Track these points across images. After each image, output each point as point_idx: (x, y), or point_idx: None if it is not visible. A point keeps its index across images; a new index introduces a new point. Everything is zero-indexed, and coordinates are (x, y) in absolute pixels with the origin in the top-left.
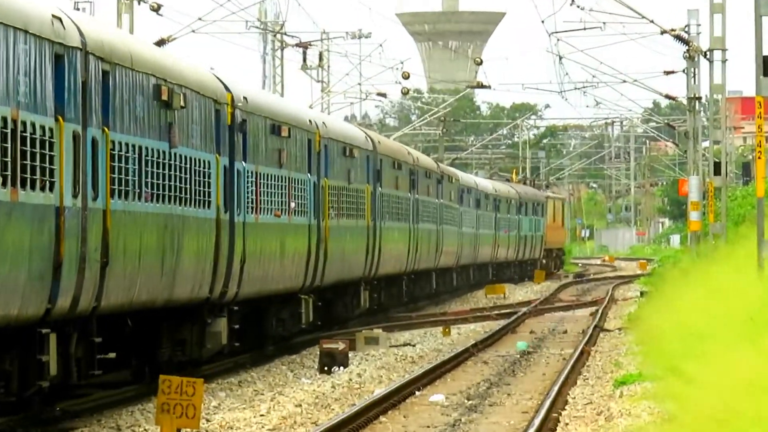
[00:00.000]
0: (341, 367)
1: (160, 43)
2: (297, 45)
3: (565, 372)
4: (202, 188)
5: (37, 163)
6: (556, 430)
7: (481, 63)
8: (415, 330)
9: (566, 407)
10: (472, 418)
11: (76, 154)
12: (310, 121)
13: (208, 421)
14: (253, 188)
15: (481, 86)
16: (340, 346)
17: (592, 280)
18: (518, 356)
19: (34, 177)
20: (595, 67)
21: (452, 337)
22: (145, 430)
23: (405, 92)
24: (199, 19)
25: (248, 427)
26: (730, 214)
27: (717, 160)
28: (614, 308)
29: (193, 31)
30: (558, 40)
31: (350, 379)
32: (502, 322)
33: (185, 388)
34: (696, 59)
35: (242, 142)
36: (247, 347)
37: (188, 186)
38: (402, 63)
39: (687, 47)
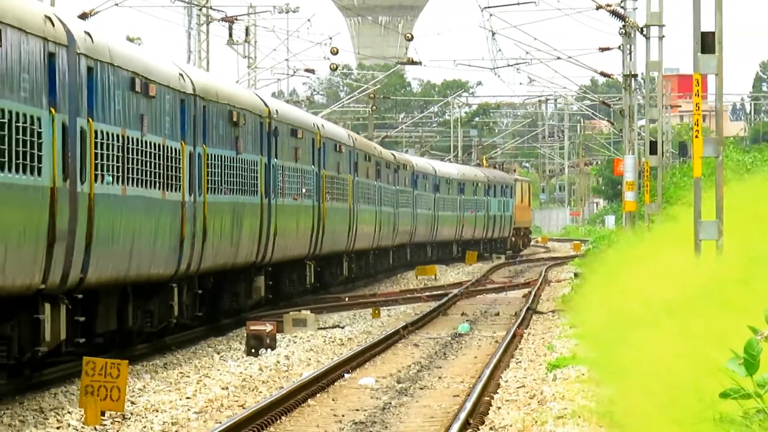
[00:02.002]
0: (269, 350)
1: (83, 16)
2: (223, 19)
3: (498, 355)
4: (254, 181)
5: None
6: (488, 413)
7: (411, 38)
8: (344, 312)
9: (498, 391)
10: (403, 401)
11: (191, 167)
12: (313, 124)
13: (132, 403)
14: (281, 178)
15: (412, 62)
16: (268, 328)
17: (525, 261)
18: (450, 339)
19: (171, 182)
20: (529, 44)
21: (382, 319)
22: (68, 412)
23: (334, 68)
24: None
25: (174, 410)
26: (666, 194)
27: (653, 139)
28: (547, 290)
29: (117, 4)
30: (491, 15)
31: (278, 362)
32: (433, 304)
33: (110, 369)
34: (632, 35)
35: (275, 144)
36: (278, 300)
37: (247, 181)
38: (331, 38)
39: (623, 23)
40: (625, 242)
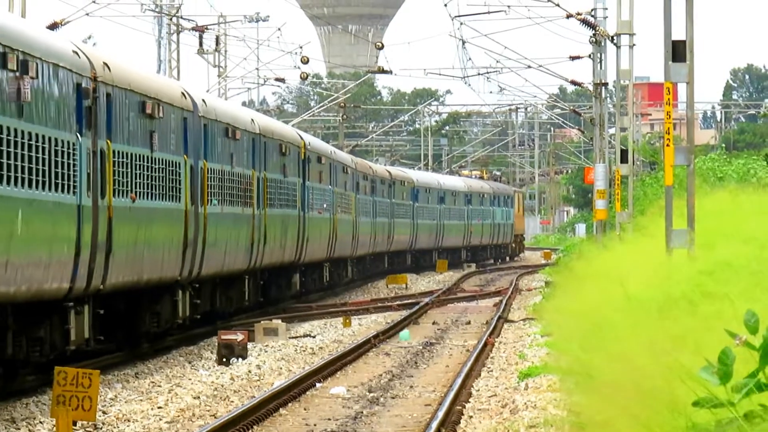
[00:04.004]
0: (240, 359)
1: (53, 26)
2: (193, 29)
3: (469, 364)
4: (294, 198)
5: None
6: (459, 422)
7: (382, 47)
8: (314, 321)
9: (470, 400)
10: (374, 410)
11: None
12: (331, 151)
13: (104, 413)
14: (311, 196)
15: (382, 71)
16: (239, 337)
17: (496, 269)
18: (421, 348)
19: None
20: (499, 52)
21: (353, 328)
22: (40, 422)
23: (304, 77)
24: (93, 1)
25: (146, 420)
26: (636, 202)
27: (624, 148)
28: (518, 299)
29: (87, 14)
30: (461, 24)
31: (249, 371)
32: (404, 313)
33: (81, 379)
34: (602, 44)
35: (308, 169)
36: (311, 293)
37: (291, 198)
38: (301, 47)
39: (593, 32)
40: (596, 251)
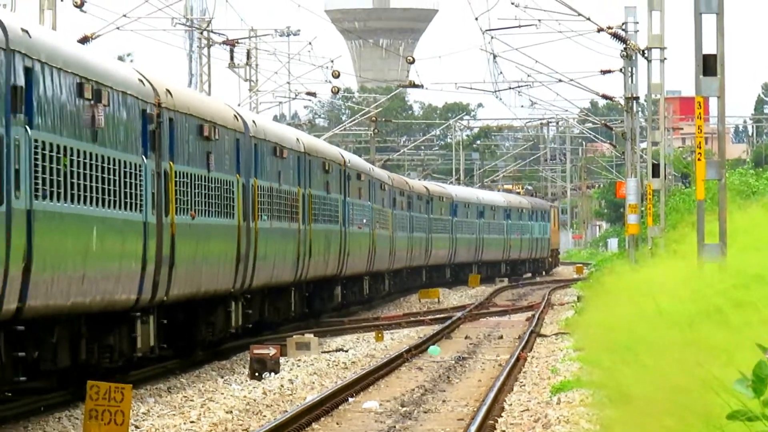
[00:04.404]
0: (272, 373)
1: (84, 40)
2: (224, 43)
3: (501, 378)
4: (336, 214)
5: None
6: None
7: (413, 61)
8: (347, 335)
9: (503, 414)
10: (407, 425)
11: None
12: (370, 168)
13: (137, 428)
14: (351, 211)
15: (413, 85)
16: (271, 351)
17: (528, 284)
18: (453, 362)
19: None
20: (531, 66)
21: (385, 342)
22: None
23: (335, 91)
24: (124, 15)
25: None
26: (668, 217)
27: (655, 162)
28: (551, 313)
29: (118, 28)
30: (492, 37)
31: (282, 386)
32: (437, 327)
33: (113, 394)
34: (633, 58)
35: (348, 186)
36: (351, 305)
37: (333, 214)
38: (332, 61)
39: (624, 45)
40: (628, 265)
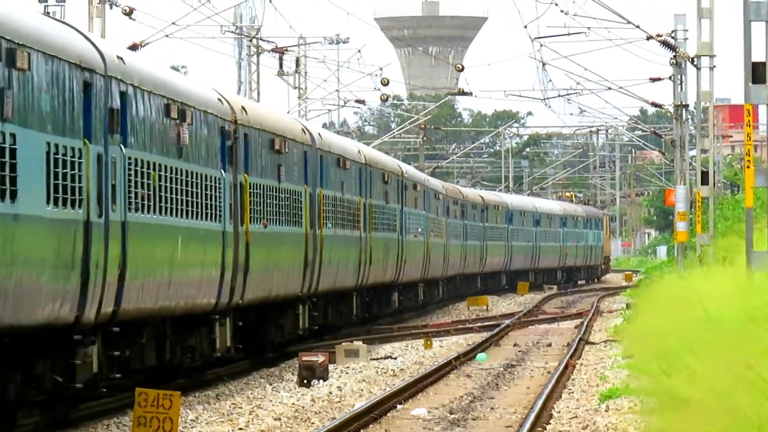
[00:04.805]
0: (321, 380)
1: (133, 47)
2: (273, 50)
3: (550, 385)
4: (394, 223)
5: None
6: None
7: (462, 69)
8: (395, 342)
9: (551, 421)
10: None
11: (312, 205)
12: (425, 179)
13: None
14: (408, 220)
15: (463, 93)
16: (320, 358)
17: (577, 291)
18: (502, 369)
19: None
20: (580, 74)
21: (434, 349)
22: None
23: (384, 99)
24: (173, 23)
25: None
26: (717, 224)
27: (705, 170)
28: (599, 321)
29: (167, 35)
30: (541, 45)
31: (330, 393)
32: (485, 335)
33: (162, 401)
34: (683, 66)
35: (405, 195)
36: (407, 311)
37: (392, 223)
38: (381, 69)
39: (674, 53)
40: (677, 272)
